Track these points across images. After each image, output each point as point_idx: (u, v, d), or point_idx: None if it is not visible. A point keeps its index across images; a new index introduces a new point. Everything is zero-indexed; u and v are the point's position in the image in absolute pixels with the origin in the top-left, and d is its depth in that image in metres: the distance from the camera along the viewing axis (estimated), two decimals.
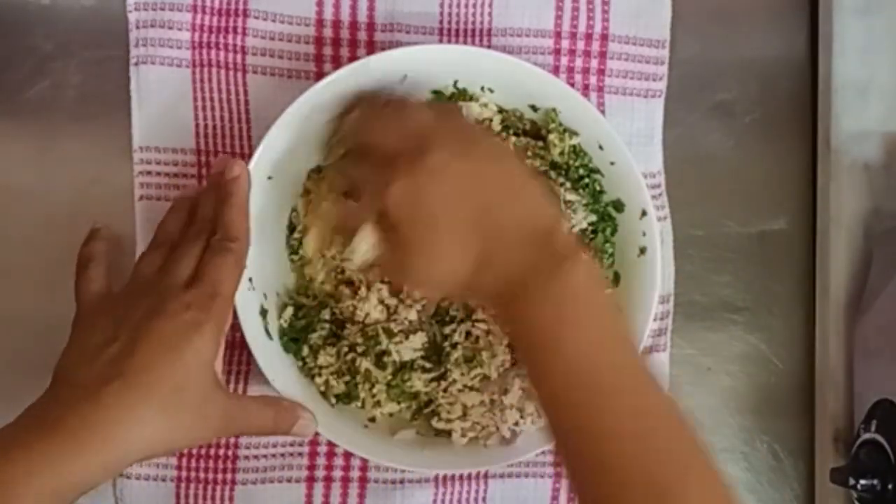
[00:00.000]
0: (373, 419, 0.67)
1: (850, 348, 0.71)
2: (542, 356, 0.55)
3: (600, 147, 0.66)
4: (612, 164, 0.66)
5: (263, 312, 0.65)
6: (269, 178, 0.64)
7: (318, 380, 0.66)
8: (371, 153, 0.60)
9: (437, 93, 0.66)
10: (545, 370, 0.55)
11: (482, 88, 0.66)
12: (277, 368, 0.65)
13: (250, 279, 0.64)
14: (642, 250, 0.66)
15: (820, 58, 0.74)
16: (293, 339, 0.66)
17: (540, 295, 0.54)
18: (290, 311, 0.66)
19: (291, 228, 0.67)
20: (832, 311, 0.72)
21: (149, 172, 0.69)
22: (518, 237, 0.56)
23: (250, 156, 0.63)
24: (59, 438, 0.53)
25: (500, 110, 0.67)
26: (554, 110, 0.66)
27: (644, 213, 0.66)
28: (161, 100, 0.69)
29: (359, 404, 0.66)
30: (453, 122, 0.61)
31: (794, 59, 0.75)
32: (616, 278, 0.68)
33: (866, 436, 0.67)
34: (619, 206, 0.67)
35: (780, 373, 0.74)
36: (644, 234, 0.66)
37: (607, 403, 0.53)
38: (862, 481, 0.65)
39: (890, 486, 0.64)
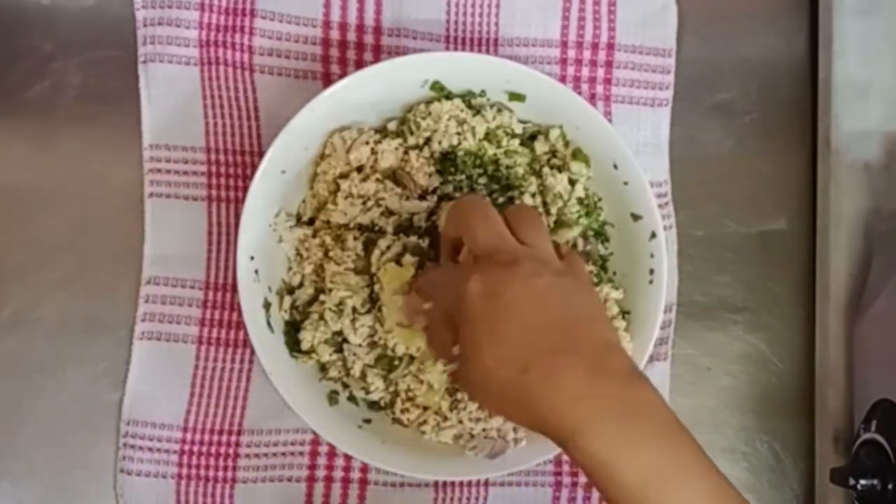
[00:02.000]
0: (368, 420, 0.67)
1: (850, 348, 0.71)
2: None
3: (615, 166, 0.66)
4: (625, 183, 0.66)
5: (267, 305, 0.65)
6: (283, 171, 0.65)
7: (311, 362, 0.66)
8: (457, 245, 0.60)
9: (439, 88, 0.66)
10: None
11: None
12: (277, 362, 0.65)
13: (256, 271, 0.64)
14: (651, 271, 0.66)
15: (820, 58, 0.74)
16: (294, 329, 0.66)
17: (635, 431, 0.52)
18: (288, 301, 0.66)
19: (298, 219, 0.67)
20: (832, 311, 0.72)
21: (158, 170, 0.70)
22: (594, 356, 0.54)
23: (260, 154, 0.63)
24: None
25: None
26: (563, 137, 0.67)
27: (653, 235, 0.66)
28: (170, 98, 0.70)
29: (351, 395, 0.67)
30: (544, 238, 0.60)
31: (794, 59, 0.75)
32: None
33: (866, 436, 0.67)
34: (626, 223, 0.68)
35: (780, 373, 0.74)
36: (652, 256, 0.66)
37: None
38: (862, 481, 0.65)
39: (890, 486, 0.64)
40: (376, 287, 0.64)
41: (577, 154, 0.67)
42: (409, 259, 0.64)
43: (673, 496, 0.51)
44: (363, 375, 0.66)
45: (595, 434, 0.51)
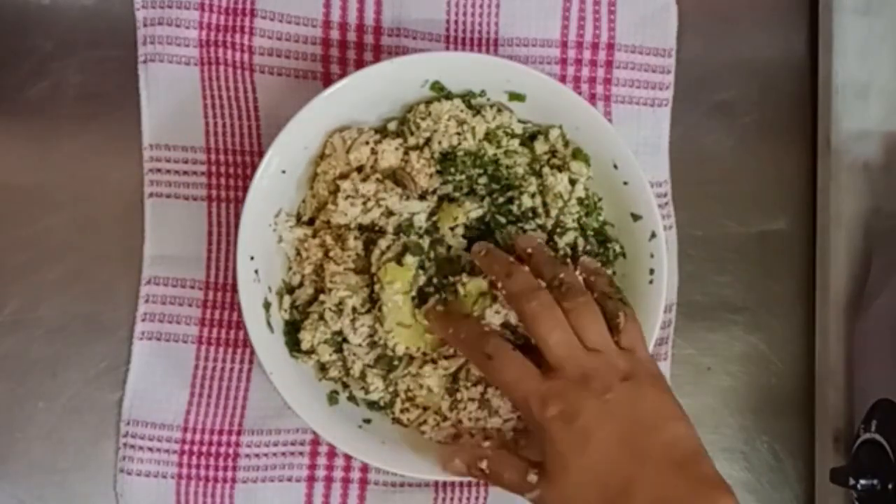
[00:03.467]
0: (368, 420, 0.67)
1: (850, 348, 0.71)
2: None
3: (615, 166, 0.66)
4: (625, 183, 0.66)
5: (267, 305, 0.65)
6: (283, 171, 0.65)
7: (311, 362, 0.66)
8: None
9: (439, 89, 0.66)
10: None
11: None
12: (277, 362, 0.65)
13: (256, 271, 0.64)
14: (651, 271, 0.66)
15: (820, 58, 0.74)
16: (294, 329, 0.66)
17: None
18: (288, 300, 0.66)
19: (298, 218, 0.67)
20: (832, 311, 0.72)
21: (158, 170, 0.70)
22: (669, 466, 0.57)
23: (260, 154, 0.63)
24: None
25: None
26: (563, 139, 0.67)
27: (653, 235, 0.66)
28: (170, 98, 0.70)
29: (349, 395, 0.67)
30: (603, 332, 0.61)
31: (794, 59, 0.75)
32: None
33: (866, 436, 0.67)
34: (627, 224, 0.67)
35: (780, 373, 0.74)
36: (652, 256, 0.66)
37: None
38: (862, 481, 0.65)
39: (890, 486, 0.64)
40: (376, 287, 0.64)
41: (577, 154, 0.67)
42: (409, 259, 0.64)
43: None
44: (363, 375, 0.66)
45: None
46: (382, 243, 0.65)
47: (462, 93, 0.66)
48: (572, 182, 0.67)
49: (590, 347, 0.60)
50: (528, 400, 0.59)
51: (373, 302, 0.65)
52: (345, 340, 0.65)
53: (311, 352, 0.66)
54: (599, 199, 0.68)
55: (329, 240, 0.66)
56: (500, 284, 0.62)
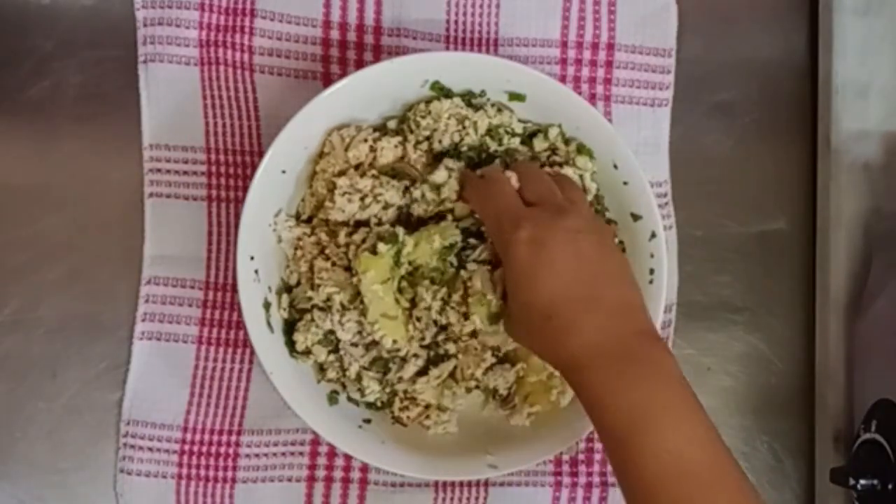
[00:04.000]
0: (368, 420, 0.67)
1: (850, 348, 0.71)
2: (637, 440, 0.54)
3: (615, 166, 0.66)
4: (625, 183, 0.66)
5: (267, 305, 0.65)
6: (283, 171, 0.65)
7: (310, 362, 0.66)
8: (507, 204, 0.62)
9: (439, 88, 0.66)
10: (638, 454, 0.54)
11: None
12: (277, 362, 0.65)
13: (256, 271, 0.64)
14: (651, 271, 0.66)
15: (820, 58, 0.74)
16: (293, 329, 0.66)
17: (632, 372, 0.56)
18: (286, 299, 0.66)
19: (298, 217, 0.67)
20: (832, 311, 0.72)
21: (158, 170, 0.70)
22: (618, 317, 0.58)
23: (260, 154, 0.63)
24: None
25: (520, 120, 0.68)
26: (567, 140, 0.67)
27: (653, 235, 0.66)
28: (170, 98, 0.70)
29: (347, 395, 0.67)
30: (587, 207, 0.64)
31: (794, 59, 0.75)
32: None
33: (866, 436, 0.67)
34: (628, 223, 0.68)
35: (780, 373, 0.74)
36: (652, 256, 0.66)
37: (706, 497, 0.53)
38: (862, 481, 0.65)
39: (890, 486, 0.64)
40: (354, 279, 0.64)
41: (581, 149, 0.67)
42: (382, 248, 0.63)
43: (654, 433, 0.54)
44: (359, 378, 0.66)
45: (595, 371, 0.56)
46: (357, 237, 0.65)
47: (462, 92, 0.66)
48: (582, 178, 0.67)
49: (569, 199, 0.62)
50: (501, 217, 0.61)
51: (361, 297, 0.65)
52: (339, 341, 0.65)
53: (307, 352, 0.66)
54: (602, 197, 0.68)
55: (324, 237, 0.66)
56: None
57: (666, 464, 0.53)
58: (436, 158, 0.66)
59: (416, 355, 0.66)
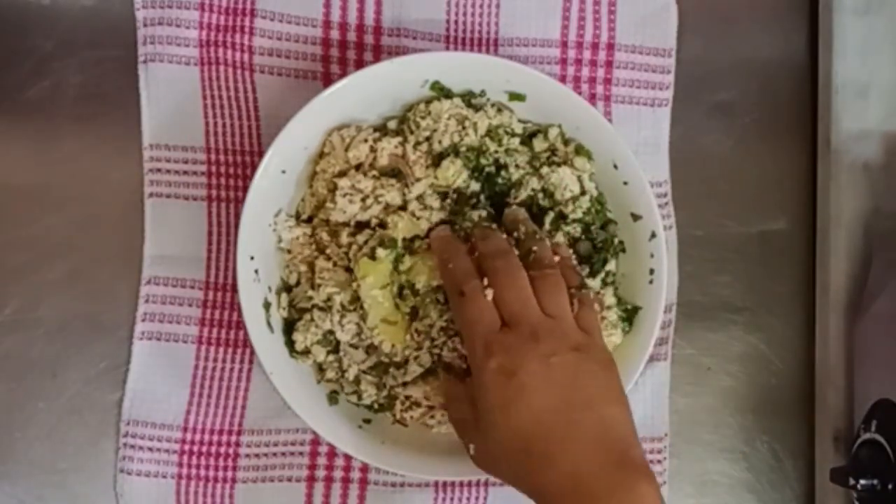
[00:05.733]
0: (368, 420, 0.67)
1: (850, 348, 0.71)
2: None
3: (615, 166, 0.66)
4: (625, 183, 0.66)
5: (267, 305, 0.65)
6: (283, 171, 0.65)
7: (310, 362, 0.66)
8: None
9: (439, 88, 0.66)
10: None
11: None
12: (277, 362, 0.65)
13: (256, 271, 0.64)
14: (651, 271, 0.66)
15: (820, 58, 0.74)
16: (291, 327, 0.66)
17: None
18: (286, 298, 0.66)
19: (298, 217, 0.67)
20: (832, 311, 0.72)
21: (158, 170, 0.70)
22: (596, 443, 0.56)
23: (260, 154, 0.63)
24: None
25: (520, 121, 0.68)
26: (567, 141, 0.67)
27: (653, 235, 0.66)
28: (170, 98, 0.70)
29: (349, 394, 0.67)
30: (565, 307, 0.61)
31: (794, 59, 0.75)
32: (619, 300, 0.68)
33: (866, 436, 0.67)
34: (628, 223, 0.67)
35: (780, 373, 0.74)
36: (652, 256, 0.66)
37: None
38: (862, 481, 0.65)
39: (890, 486, 0.64)
40: (353, 284, 0.64)
41: (580, 150, 0.67)
42: (381, 252, 0.63)
43: None
44: (357, 380, 0.66)
45: None
46: (360, 238, 0.65)
47: (462, 93, 0.66)
48: (580, 179, 0.67)
49: (548, 313, 0.60)
50: (475, 343, 0.59)
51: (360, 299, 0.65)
52: (339, 342, 0.65)
53: (306, 352, 0.66)
54: (602, 195, 0.68)
55: (325, 236, 0.66)
56: (475, 244, 0.62)
57: None
58: (437, 159, 0.66)
59: (416, 358, 0.66)
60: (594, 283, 0.67)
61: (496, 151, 0.66)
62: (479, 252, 0.62)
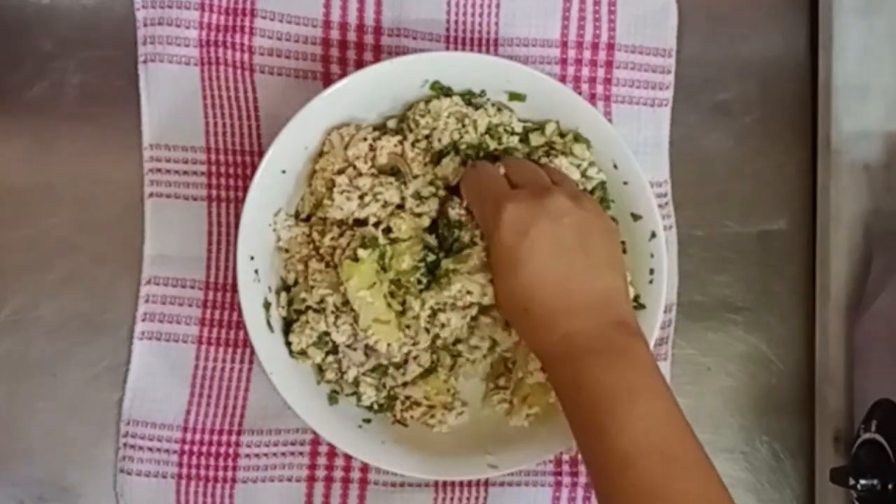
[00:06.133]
0: (368, 420, 0.67)
1: (850, 348, 0.71)
2: (607, 420, 0.55)
3: (615, 166, 0.66)
4: (624, 183, 0.66)
5: (267, 305, 0.65)
6: (283, 171, 0.65)
7: (310, 362, 0.66)
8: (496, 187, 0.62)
9: (439, 88, 0.66)
10: (605, 433, 0.55)
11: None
12: (277, 362, 0.65)
13: (256, 271, 0.64)
14: (651, 271, 0.66)
15: (820, 58, 0.74)
16: (290, 327, 0.66)
17: (604, 362, 0.57)
18: (284, 297, 0.66)
19: (297, 216, 0.67)
20: (832, 311, 0.72)
21: (158, 170, 0.70)
22: (597, 302, 0.59)
23: (260, 153, 0.63)
24: None
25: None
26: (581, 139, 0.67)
27: (653, 235, 0.66)
28: (170, 98, 0.70)
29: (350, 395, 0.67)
30: (575, 189, 0.64)
31: (794, 59, 0.75)
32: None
33: (866, 436, 0.67)
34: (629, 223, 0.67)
35: (780, 373, 0.74)
36: (652, 256, 0.66)
37: (667, 471, 0.54)
38: (862, 481, 0.65)
39: (890, 486, 0.64)
40: (341, 287, 0.64)
41: (578, 137, 0.67)
42: (362, 253, 0.63)
43: (622, 414, 0.55)
44: (356, 382, 0.66)
45: (570, 363, 0.57)
46: (342, 240, 0.64)
47: (462, 92, 0.66)
48: (585, 175, 0.67)
49: (555, 181, 0.62)
50: (486, 200, 0.61)
51: None
52: (336, 343, 0.65)
53: (304, 353, 0.66)
54: (605, 182, 0.68)
55: (317, 236, 0.66)
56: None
57: (632, 441, 0.54)
58: (436, 156, 0.66)
59: (416, 358, 0.66)
60: None
61: (495, 149, 0.66)
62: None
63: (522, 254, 0.58)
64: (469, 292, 0.63)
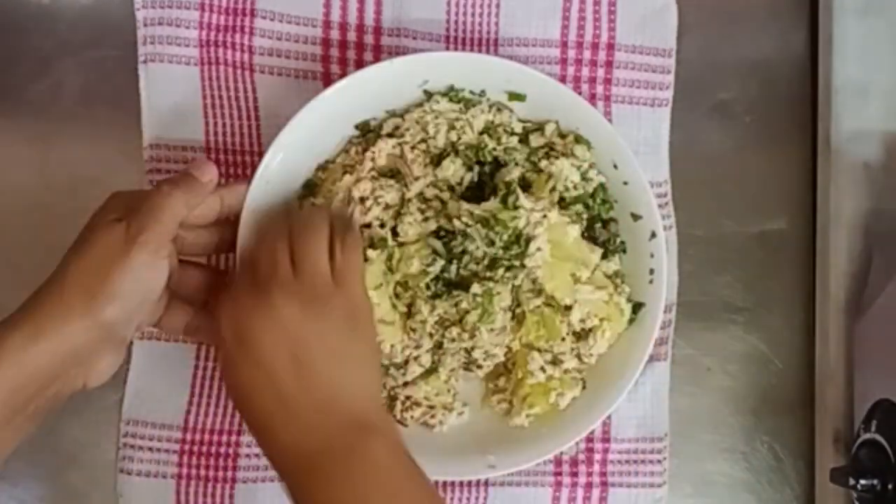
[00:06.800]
0: None
1: (850, 348, 0.71)
2: None
3: (615, 166, 0.66)
4: (625, 183, 0.66)
5: None
6: (283, 172, 0.64)
7: None
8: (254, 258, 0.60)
9: (437, 92, 0.66)
10: None
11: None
12: None
13: None
14: (651, 271, 0.66)
15: (820, 58, 0.74)
16: None
17: (340, 470, 0.54)
18: None
19: None
20: (832, 311, 0.72)
21: (158, 170, 0.70)
22: (318, 406, 0.55)
23: (260, 153, 0.63)
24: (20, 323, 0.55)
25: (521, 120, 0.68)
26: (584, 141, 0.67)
27: (653, 235, 0.66)
28: (170, 97, 0.70)
29: None
30: (316, 249, 0.59)
31: (794, 59, 0.75)
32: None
33: (866, 436, 0.67)
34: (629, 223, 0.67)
35: (780, 373, 0.74)
36: (652, 256, 0.66)
37: None
38: (862, 481, 0.65)
39: (890, 486, 0.64)
40: None
41: (579, 139, 0.67)
42: (372, 254, 0.63)
43: None
44: None
45: (295, 476, 0.54)
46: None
47: (458, 91, 0.66)
48: (583, 174, 0.67)
49: (296, 256, 0.58)
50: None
51: None
52: None
53: None
54: (604, 184, 0.68)
55: None
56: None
57: None
58: (436, 158, 0.66)
59: (416, 358, 0.66)
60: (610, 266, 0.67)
61: (494, 149, 0.66)
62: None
63: (241, 359, 0.56)
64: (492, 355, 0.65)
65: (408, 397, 0.67)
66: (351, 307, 0.58)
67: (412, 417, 0.67)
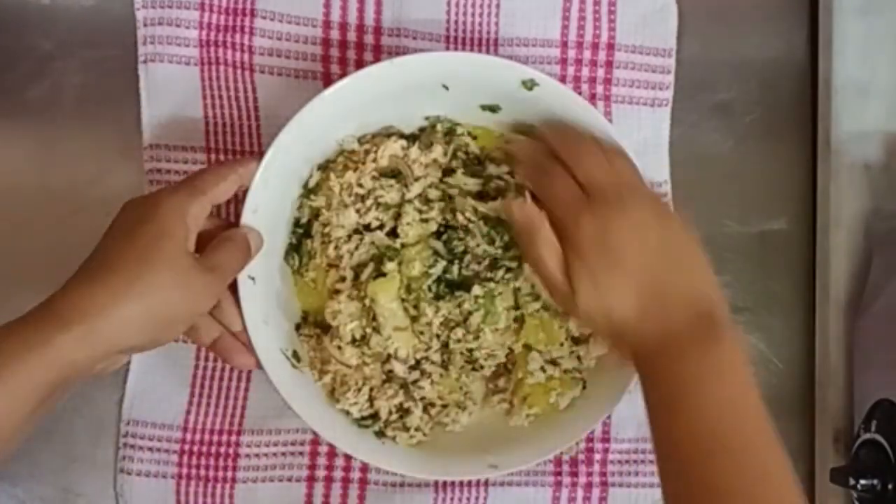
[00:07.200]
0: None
1: (850, 348, 0.71)
2: (682, 405, 0.56)
3: None
4: None
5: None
6: (283, 172, 0.65)
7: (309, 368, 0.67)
8: (563, 181, 0.61)
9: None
10: (680, 420, 0.56)
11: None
12: (274, 359, 0.65)
13: (252, 278, 0.64)
14: None
15: (820, 58, 0.74)
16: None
17: (696, 357, 0.56)
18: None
19: (296, 222, 0.67)
20: (832, 311, 0.72)
21: (158, 170, 0.70)
22: (686, 301, 0.58)
23: (260, 154, 0.63)
24: (48, 316, 0.55)
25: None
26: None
27: None
28: (170, 98, 0.70)
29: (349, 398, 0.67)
30: (647, 189, 0.64)
31: (794, 59, 0.75)
32: None
33: (866, 436, 0.67)
34: None
35: (780, 373, 0.74)
36: None
37: (749, 473, 0.55)
38: (862, 481, 0.65)
39: (890, 486, 0.64)
40: (366, 301, 0.64)
41: None
42: (391, 266, 0.64)
43: (694, 398, 0.55)
44: (402, 422, 0.66)
45: (654, 359, 0.58)
46: (350, 245, 0.65)
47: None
48: None
49: (626, 181, 0.62)
50: (562, 211, 0.60)
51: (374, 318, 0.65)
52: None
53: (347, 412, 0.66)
54: None
55: (320, 246, 0.66)
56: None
57: (704, 427, 0.55)
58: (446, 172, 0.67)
59: (428, 359, 0.66)
60: None
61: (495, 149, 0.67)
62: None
63: (604, 261, 0.59)
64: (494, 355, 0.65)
65: (422, 398, 0.67)
66: (660, 203, 0.63)
67: (429, 417, 0.67)
